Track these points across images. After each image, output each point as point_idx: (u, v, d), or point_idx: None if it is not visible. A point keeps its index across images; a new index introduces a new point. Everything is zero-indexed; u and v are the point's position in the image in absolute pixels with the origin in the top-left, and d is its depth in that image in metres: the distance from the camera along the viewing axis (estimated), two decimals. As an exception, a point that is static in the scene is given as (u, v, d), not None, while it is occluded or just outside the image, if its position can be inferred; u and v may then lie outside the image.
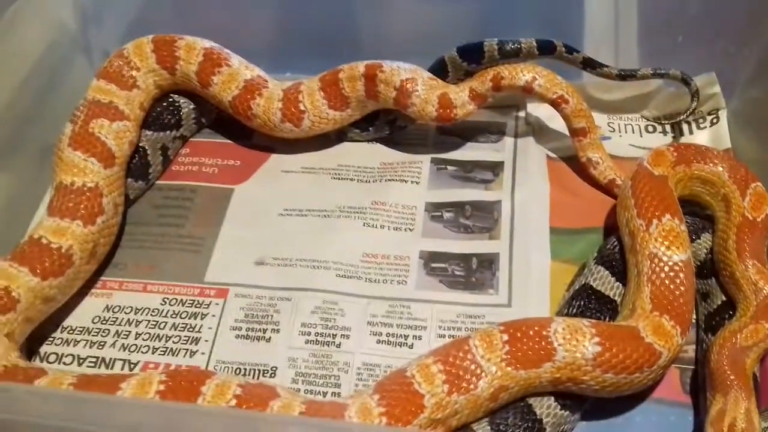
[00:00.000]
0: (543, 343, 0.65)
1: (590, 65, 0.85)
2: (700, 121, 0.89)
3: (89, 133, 0.82)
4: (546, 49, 0.84)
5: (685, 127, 0.90)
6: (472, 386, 0.64)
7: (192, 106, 0.93)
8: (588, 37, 0.90)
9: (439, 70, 0.87)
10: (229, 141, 0.95)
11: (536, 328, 0.66)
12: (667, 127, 0.90)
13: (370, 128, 0.92)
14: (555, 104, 0.83)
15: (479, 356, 0.65)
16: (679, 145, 0.78)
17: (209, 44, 0.90)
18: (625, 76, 0.86)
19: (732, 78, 0.87)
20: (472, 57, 0.85)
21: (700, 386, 0.69)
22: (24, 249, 0.74)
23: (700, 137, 0.88)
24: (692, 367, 0.72)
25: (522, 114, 0.93)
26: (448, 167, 0.90)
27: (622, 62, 0.87)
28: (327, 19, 0.96)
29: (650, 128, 0.91)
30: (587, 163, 0.84)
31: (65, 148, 0.81)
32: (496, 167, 0.89)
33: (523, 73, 0.83)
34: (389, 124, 0.92)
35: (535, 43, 0.84)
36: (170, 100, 0.92)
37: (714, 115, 0.88)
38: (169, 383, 0.64)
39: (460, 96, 0.85)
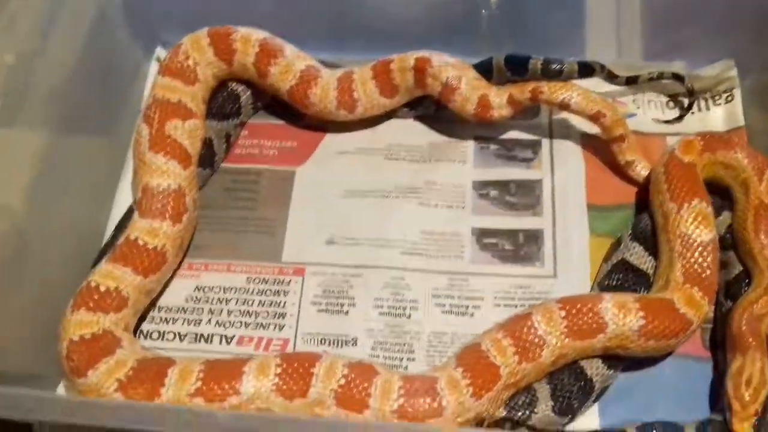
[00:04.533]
0: (596, 318, 0.77)
1: (611, 76, 0.94)
2: (716, 98, 0.98)
3: (166, 135, 0.88)
4: (585, 71, 0.92)
5: (702, 103, 0.99)
6: (537, 356, 0.77)
7: (249, 92, 0.98)
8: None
9: (485, 70, 0.94)
10: (283, 122, 1.01)
11: (589, 305, 0.78)
12: (685, 104, 0.99)
13: (418, 107, 0.99)
14: (593, 119, 0.90)
15: (542, 330, 0.77)
16: (706, 135, 0.88)
17: (263, 35, 0.94)
18: (631, 81, 0.95)
19: (747, 62, 0.96)
20: (517, 69, 0.93)
21: (719, 343, 0.82)
22: (123, 250, 0.82)
23: (716, 113, 0.97)
24: (711, 326, 0.85)
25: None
26: (491, 146, 0.98)
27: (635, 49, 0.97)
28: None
29: (671, 104, 1.00)
30: (626, 165, 0.92)
31: (147, 152, 0.87)
32: (534, 146, 0.97)
33: (561, 92, 0.89)
34: (435, 103, 0.98)
35: (576, 66, 0.92)
36: (229, 89, 0.97)
37: (729, 94, 0.97)
38: (284, 365, 0.75)
39: (498, 100, 0.92)
